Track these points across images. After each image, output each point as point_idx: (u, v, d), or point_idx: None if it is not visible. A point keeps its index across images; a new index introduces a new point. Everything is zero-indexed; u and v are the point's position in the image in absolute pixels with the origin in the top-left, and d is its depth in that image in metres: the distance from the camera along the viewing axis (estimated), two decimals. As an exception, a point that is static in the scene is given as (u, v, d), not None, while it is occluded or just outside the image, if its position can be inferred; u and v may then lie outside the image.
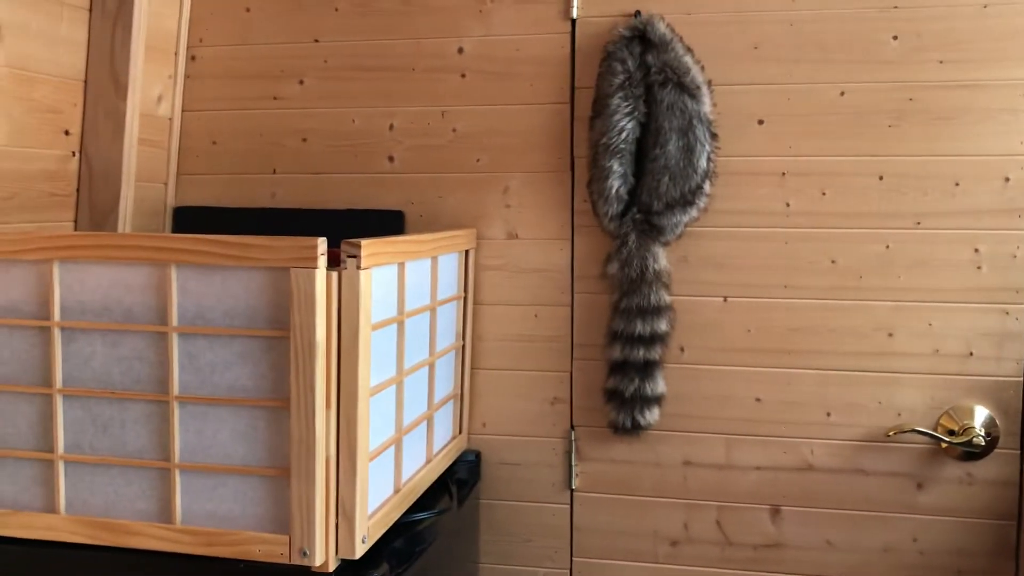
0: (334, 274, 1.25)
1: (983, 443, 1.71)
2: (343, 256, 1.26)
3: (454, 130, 1.90)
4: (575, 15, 1.84)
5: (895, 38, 1.72)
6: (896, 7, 1.72)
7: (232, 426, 1.28)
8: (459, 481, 1.81)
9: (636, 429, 1.79)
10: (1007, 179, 1.70)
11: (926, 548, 1.77)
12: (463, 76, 1.89)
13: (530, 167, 1.88)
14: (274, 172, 1.98)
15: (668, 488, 1.86)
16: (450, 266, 1.76)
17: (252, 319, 1.26)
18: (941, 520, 1.76)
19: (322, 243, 1.22)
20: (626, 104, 1.73)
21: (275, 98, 1.97)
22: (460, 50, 1.89)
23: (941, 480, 1.76)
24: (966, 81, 1.70)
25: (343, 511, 1.28)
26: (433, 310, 1.66)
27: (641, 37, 1.75)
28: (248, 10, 1.98)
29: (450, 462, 1.81)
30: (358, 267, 1.25)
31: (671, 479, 1.86)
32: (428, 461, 1.68)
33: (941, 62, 1.71)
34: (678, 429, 1.84)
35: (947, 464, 1.75)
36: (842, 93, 1.75)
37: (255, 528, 1.28)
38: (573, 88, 1.85)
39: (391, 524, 1.46)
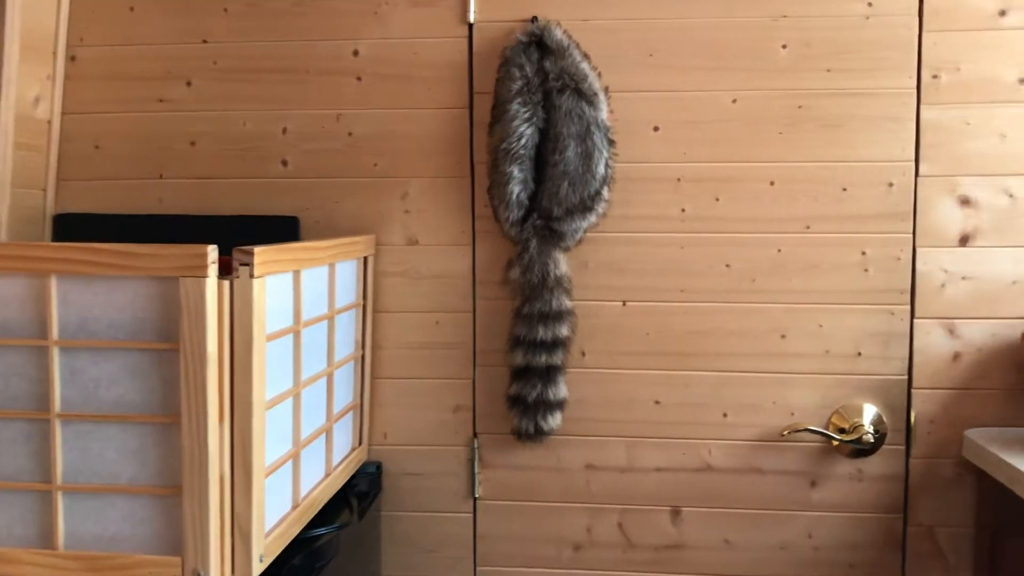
0: (226, 283, 1.20)
1: (872, 440, 1.77)
2: (235, 264, 1.21)
3: (350, 134, 1.86)
4: (472, 19, 1.82)
5: (785, 47, 1.77)
6: (785, 16, 1.76)
7: (119, 444, 1.21)
8: (360, 494, 1.77)
9: (539, 435, 1.79)
10: (891, 184, 1.76)
11: (820, 543, 1.82)
12: (359, 79, 1.86)
13: (429, 172, 1.86)
14: (161, 177, 1.91)
15: (571, 493, 1.86)
16: (348, 273, 1.73)
17: (139, 331, 1.20)
18: (834, 516, 1.81)
19: (213, 251, 1.17)
20: (525, 110, 1.73)
21: (161, 100, 1.90)
22: (355, 53, 1.85)
23: (833, 477, 1.81)
24: (852, 89, 1.76)
25: (239, 529, 1.23)
26: (331, 319, 1.62)
27: (538, 43, 1.75)
28: (132, 9, 1.90)
29: (350, 474, 1.78)
30: (251, 275, 1.21)
31: (574, 484, 1.86)
32: (327, 474, 1.63)
33: (828, 71, 1.76)
34: (580, 433, 1.85)
35: (838, 461, 1.81)
36: (735, 100, 1.78)
37: (145, 550, 1.22)
38: (472, 93, 1.83)
39: (290, 541, 1.42)
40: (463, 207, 1.85)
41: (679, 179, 1.80)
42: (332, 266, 1.62)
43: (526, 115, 1.73)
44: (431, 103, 1.85)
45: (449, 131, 1.84)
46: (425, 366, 1.87)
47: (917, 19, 1.74)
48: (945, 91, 1.74)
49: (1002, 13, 1.72)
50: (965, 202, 1.75)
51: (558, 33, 1.75)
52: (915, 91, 1.75)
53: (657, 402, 1.83)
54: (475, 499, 1.89)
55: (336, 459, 1.69)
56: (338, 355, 1.67)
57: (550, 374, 1.78)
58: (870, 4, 1.74)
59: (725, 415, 1.82)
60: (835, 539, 1.81)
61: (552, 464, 1.86)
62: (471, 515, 1.89)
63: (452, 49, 1.83)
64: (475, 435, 1.88)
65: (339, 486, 1.69)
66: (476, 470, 1.88)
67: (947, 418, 1.77)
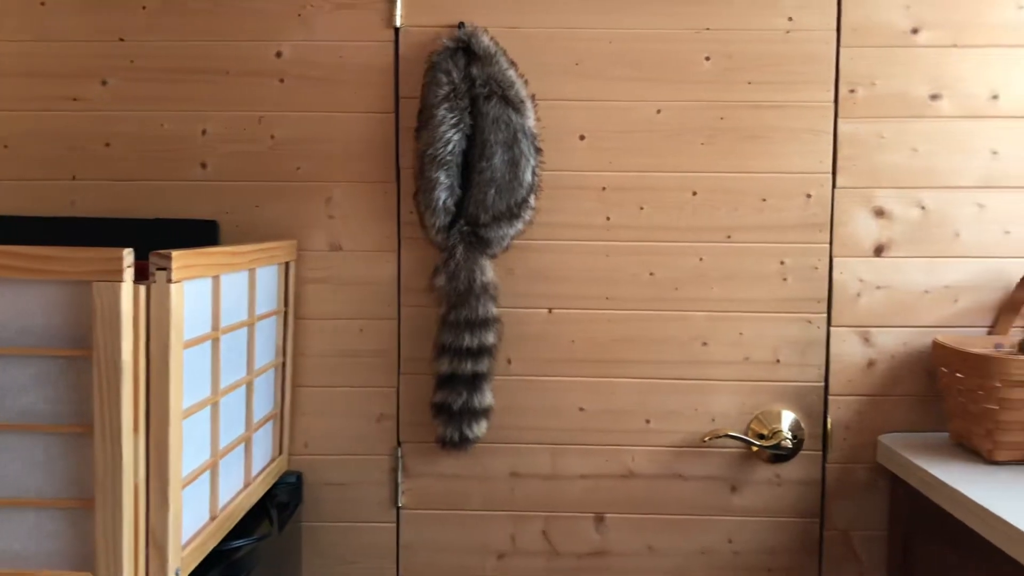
0: (142, 288, 1.16)
1: (790, 445, 1.80)
2: (152, 268, 1.17)
3: (272, 137, 1.83)
4: (398, 24, 1.81)
5: (707, 59, 1.80)
6: (708, 29, 1.79)
7: (26, 455, 1.16)
8: (280, 504, 1.73)
9: (464, 443, 1.77)
10: (809, 196, 1.80)
11: (740, 548, 1.84)
12: (282, 81, 1.82)
13: (354, 176, 1.83)
14: (73, 179, 1.84)
15: (495, 501, 1.86)
16: (269, 279, 1.69)
17: (50, 337, 1.15)
18: (753, 520, 1.84)
19: (128, 254, 1.13)
20: (452, 116, 1.72)
21: (75, 99, 1.83)
22: (279, 54, 1.82)
23: (753, 482, 1.84)
24: (772, 102, 1.80)
25: (154, 542, 1.19)
26: (251, 326, 1.58)
27: (465, 49, 1.75)
28: (43, 3, 1.83)
29: (270, 485, 1.74)
30: (168, 280, 1.17)
31: (498, 492, 1.85)
32: (247, 485, 1.59)
33: (750, 83, 1.80)
34: (505, 441, 1.84)
35: (758, 467, 1.84)
36: (659, 111, 1.81)
37: (55, 566, 1.17)
38: (398, 97, 1.82)
39: (207, 553, 1.37)
40: (388, 213, 1.83)
41: (604, 188, 1.82)
42: (252, 271, 1.58)
43: (453, 121, 1.72)
44: (356, 107, 1.82)
45: (375, 135, 1.82)
46: (348, 374, 1.85)
47: (835, 35, 1.79)
48: (861, 105, 1.79)
49: (915, 31, 1.78)
50: (880, 213, 1.80)
51: (485, 40, 1.75)
52: (833, 105, 1.79)
53: (582, 409, 1.84)
54: (398, 508, 1.86)
55: (256, 469, 1.65)
56: (258, 363, 1.63)
57: (476, 382, 1.77)
58: (790, 19, 1.78)
59: (648, 422, 1.83)
60: (754, 543, 1.84)
61: (477, 472, 1.85)
62: (394, 525, 1.87)
63: (378, 53, 1.82)
64: (399, 444, 1.85)
65: (258, 497, 1.65)
66: (400, 479, 1.86)
67: (862, 424, 1.82)
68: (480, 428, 1.78)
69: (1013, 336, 1.76)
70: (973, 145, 1.78)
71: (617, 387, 1.83)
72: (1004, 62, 1.77)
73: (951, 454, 1.66)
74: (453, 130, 1.72)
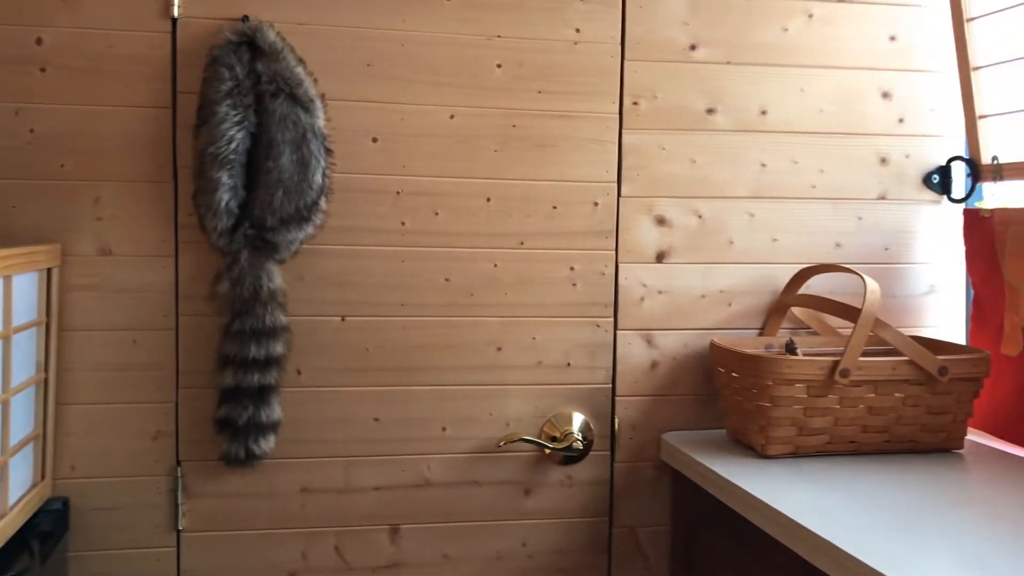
0: None
1: (581, 447, 1.84)
2: None
3: (32, 131, 1.66)
4: (176, 14, 1.69)
5: (499, 66, 1.81)
6: (500, 36, 1.80)
7: None
8: (42, 534, 1.56)
9: (250, 459, 1.68)
10: (596, 204, 1.85)
11: (534, 551, 1.86)
12: (43, 70, 1.66)
13: (126, 176, 1.69)
14: None
15: (285, 518, 1.77)
16: (27, 287, 1.53)
17: None
18: (546, 523, 1.87)
19: None
20: (235, 113, 1.63)
21: None
22: (39, 41, 1.65)
23: (546, 484, 1.87)
24: (561, 112, 1.83)
25: None
26: (7, 338, 1.42)
27: (250, 43, 1.66)
28: None
29: (31, 514, 1.57)
30: (-92, 289, 1.02)
31: (288, 508, 1.77)
32: (2, 515, 1.43)
33: (540, 92, 1.82)
34: (295, 456, 1.77)
35: (550, 469, 1.87)
36: (452, 116, 1.80)
37: None
38: (175, 92, 1.70)
39: (-46, 597, 1.22)
40: (165, 215, 1.71)
41: (399, 192, 1.78)
42: (8, 279, 1.42)
43: (236, 118, 1.63)
44: (129, 101, 1.69)
45: (149, 132, 1.69)
46: (120, 390, 1.70)
47: (620, 48, 1.85)
48: (644, 117, 1.86)
49: (692, 47, 1.87)
50: (661, 221, 1.88)
51: (271, 35, 1.67)
52: (618, 116, 1.85)
53: (376, 419, 1.79)
54: (178, 532, 1.74)
55: (13, 497, 1.49)
56: (15, 379, 1.47)
57: (263, 394, 1.68)
58: (578, 31, 1.83)
59: (444, 429, 1.82)
60: (547, 545, 1.87)
61: (264, 489, 1.76)
62: (174, 549, 1.74)
63: (153, 44, 1.69)
64: (178, 463, 1.73)
65: (17, 527, 1.49)
66: (180, 500, 1.73)
67: (646, 423, 1.89)
68: (268, 443, 1.70)
69: (781, 337, 1.89)
70: (745, 157, 1.90)
71: (413, 395, 1.80)
72: (772, 80, 1.90)
73: (728, 450, 1.75)
74: (237, 128, 1.63)
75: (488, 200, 1.81)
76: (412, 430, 1.81)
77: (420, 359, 1.80)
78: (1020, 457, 1.72)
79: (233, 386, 1.67)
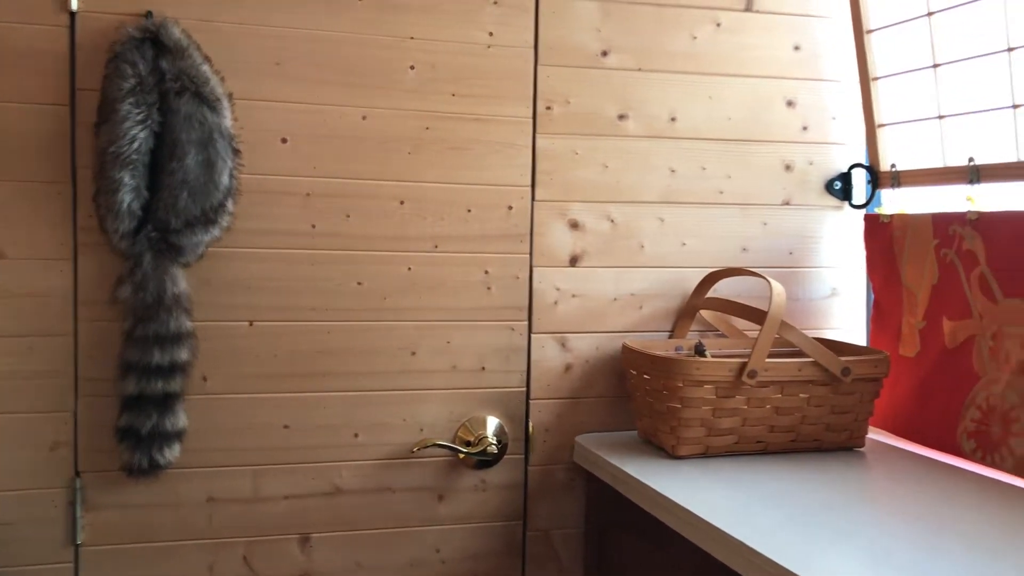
0: None
1: (495, 451, 1.84)
2: None
3: (-84, 127, 1.57)
4: (75, 7, 1.62)
5: (412, 68, 1.79)
6: (413, 38, 1.79)
7: None
8: (-73, 553, 1.48)
9: (154, 469, 1.62)
10: (510, 207, 1.85)
11: (447, 557, 1.85)
12: (-72, 63, 1.57)
13: (19, 175, 1.62)
14: None
15: (190, 530, 1.72)
16: (-87, 292, 1.45)
17: None
18: (460, 528, 1.86)
19: None
20: (138, 111, 1.57)
21: None
22: (-76, 32, 1.57)
23: (460, 489, 1.85)
24: (475, 115, 1.82)
25: None
26: None
27: (154, 40, 1.60)
28: None
29: (-86, 532, 1.48)
30: None
31: (194, 519, 1.72)
32: None
33: (453, 95, 1.81)
34: (201, 465, 1.71)
35: (465, 474, 1.86)
36: (365, 117, 1.77)
37: None
38: (74, 89, 1.63)
39: None
40: (62, 216, 1.64)
41: (309, 194, 1.75)
42: None
43: (139, 117, 1.57)
44: (22, 97, 1.61)
45: (45, 130, 1.62)
46: (14, 399, 1.63)
47: (533, 52, 1.85)
48: (557, 122, 1.87)
49: (604, 53, 1.89)
50: (575, 226, 1.89)
51: (176, 31, 1.62)
52: (531, 120, 1.86)
53: (286, 427, 1.75)
54: (77, 546, 1.67)
55: None
56: (-102, 390, 1.39)
57: (167, 402, 1.62)
58: (491, 34, 1.82)
59: (356, 436, 1.79)
60: (461, 551, 1.86)
61: (169, 500, 1.70)
62: (72, 565, 1.67)
63: (50, 38, 1.62)
64: (77, 474, 1.66)
65: (-101, 548, 1.41)
66: (79, 513, 1.66)
67: (560, 426, 1.90)
68: (172, 452, 1.64)
69: (691, 339, 1.92)
70: (655, 163, 1.93)
71: (324, 401, 1.77)
72: (681, 87, 1.93)
73: (640, 451, 1.77)
74: (139, 127, 1.58)
75: (401, 203, 1.79)
76: (323, 437, 1.77)
77: (331, 364, 1.77)
78: (918, 454, 1.78)
79: (136, 394, 1.61)
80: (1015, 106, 1.62)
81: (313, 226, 1.75)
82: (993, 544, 1.27)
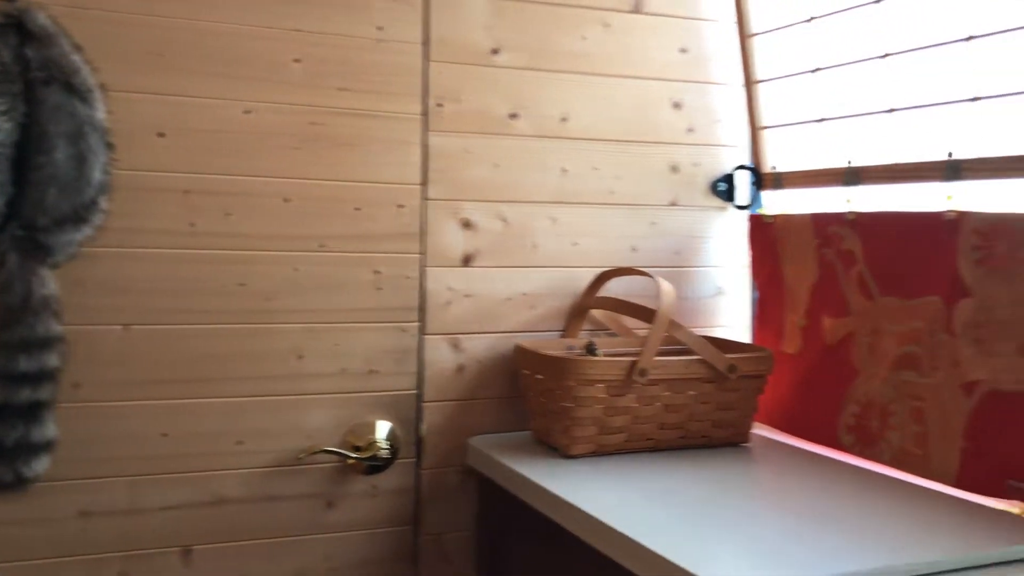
0: None
1: (387, 455, 1.80)
2: None
3: None
4: (-72, -11, 1.51)
5: (298, 61, 1.74)
6: (298, 30, 1.73)
7: None
8: None
9: (21, 483, 1.52)
10: (401, 206, 1.82)
11: (337, 565, 1.80)
12: None
13: None
14: None
15: (63, 545, 1.62)
16: None
17: None
18: (350, 535, 1.81)
19: None
20: (1, 102, 1.47)
21: None
22: None
23: (349, 496, 1.81)
24: (364, 111, 1.78)
25: None
26: None
27: (18, 27, 1.50)
28: None
29: None
30: None
31: (66, 534, 1.62)
32: None
33: (341, 90, 1.77)
34: (73, 477, 1.62)
35: (354, 480, 1.81)
36: (248, 111, 1.71)
37: None
38: (-73, 76, 1.52)
39: None
40: (-85, 214, 1.52)
41: (188, 191, 1.67)
42: None
43: (2, 108, 1.47)
44: None
45: None
46: None
47: (423, 48, 1.82)
48: (449, 120, 1.84)
49: (495, 51, 1.87)
50: (467, 225, 1.87)
51: (41, 17, 1.52)
52: (422, 117, 1.83)
53: (165, 435, 1.67)
54: (-67, 569, 1.56)
55: None
56: None
57: (34, 411, 1.52)
58: (380, 28, 1.79)
59: (240, 443, 1.72)
60: (352, 558, 1.81)
61: (39, 515, 1.60)
62: (-73, 589, 1.55)
63: (-101, 20, 1.50)
64: (-67, 491, 1.55)
65: None
66: (-65, 533, 1.55)
67: (453, 428, 1.87)
68: (41, 465, 1.54)
69: (583, 339, 1.92)
70: (547, 163, 1.92)
71: (205, 408, 1.69)
72: (572, 87, 1.94)
73: (533, 451, 1.77)
74: (2, 118, 1.47)
75: (287, 200, 1.74)
76: (205, 445, 1.70)
77: (213, 369, 1.70)
78: (800, 448, 1.83)
79: (1, 403, 1.51)
80: (891, 110, 1.68)
81: (192, 224, 1.68)
82: (872, 533, 1.32)
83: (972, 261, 1.50)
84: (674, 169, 2.03)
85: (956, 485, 1.52)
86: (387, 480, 1.83)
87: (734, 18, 2.02)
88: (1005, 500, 1.45)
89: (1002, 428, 1.45)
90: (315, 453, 1.75)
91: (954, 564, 1.22)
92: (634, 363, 1.68)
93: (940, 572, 1.21)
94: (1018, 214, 1.43)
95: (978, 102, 1.51)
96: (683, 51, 2.02)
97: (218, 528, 1.72)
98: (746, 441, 1.84)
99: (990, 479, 1.47)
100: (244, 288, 1.71)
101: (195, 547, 1.71)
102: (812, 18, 1.83)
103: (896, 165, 1.68)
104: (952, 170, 1.55)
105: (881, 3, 1.66)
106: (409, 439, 1.84)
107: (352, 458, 1.78)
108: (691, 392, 1.75)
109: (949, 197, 1.55)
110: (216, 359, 1.70)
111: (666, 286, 1.75)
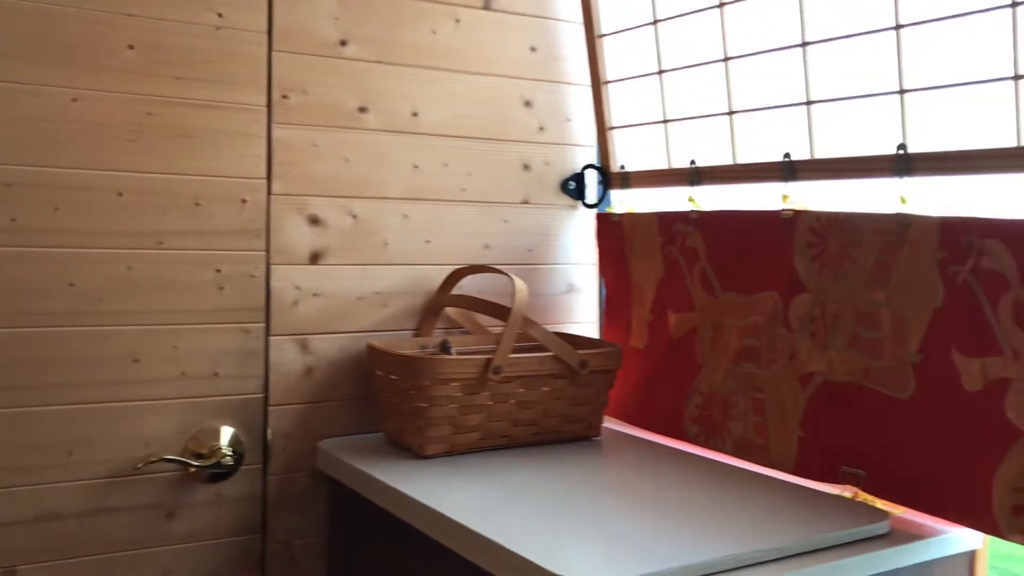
0: None
1: (231, 462, 1.72)
2: None
3: None
4: None
5: (131, 47, 1.63)
6: (132, 15, 1.63)
7: None
8: None
9: None
10: (244, 201, 1.74)
11: (179, 578, 1.72)
12: None
13: None
14: None
15: None
16: None
17: None
18: (193, 546, 1.72)
19: None
20: None
21: None
22: None
23: (191, 505, 1.72)
24: (204, 101, 1.70)
25: None
26: None
27: None
28: None
29: None
30: None
31: None
32: None
33: (178, 78, 1.68)
34: None
35: (197, 488, 1.73)
36: (75, 100, 1.59)
37: None
38: None
39: None
40: None
41: (9, 184, 1.55)
42: None
43: None
44: None
45: None
46: None
47: (267, 37, 1.75)
48: (295, 112, 1.78)
49: (343, 43, 1.82)
50: (315, 221, 1.81)
51: None
52: (266, 109, 1.76)
53: (-17, 447, 1.54)
54: None
55: None
56: None
57: None
58: (220, 15, 1.71)
59: (71, 453, 1.61)
60: (195, 570, 1.72)
61: None
62: None
63: None
64: None
65: None
66: None
67: (302, 432, 1.81)
68: None
69: (436, 337, 1.90)
70: (397, 158, 1.89)
71: (32, 417, 1.57)
72: (422, 82, 1.91)
73: (386, 453, 1.73)
74: None
75: (120, 195, 1.63)
76: (31, 457, 1.58)
77: (40, 376, 1.58)
78: (649, 440, 1.88)
79: None
80: (731, 112, 1.74)
81: (14, 220, 1.55)
82: (719, 522, 1.35)
83: (807, 258, 1.57)
84: (526, 167, 2.04)
85: (795, 472, 1.59)
86: (232, 487, 1.75)
87: (580, 18, 2.04)
88: (839, 485, 1.53)
89: (835, 417, 1.53)
90: (154, 462, 1.65)
91: (797, 549, 1.27)
92: (489, 361, 1.68)
93: (784, 557, 1.26)
94: (849, 213, 1.51)
95: (813, 105, 1.58)
96: (533, 50, 2.03)
97: (46, 546, 1.60)
98: (597, 435, 1.86)
99: (825, 466, 1.54)
100: (74, 288, 1.60)
101: (20, 567, 1.58)
102: (658, 20, 1.87)
103: (737, 166, 1.74)
104: (788, 170, 1.62)
105: (724, 8, 1.72)
106: (255, 444, 1.77)
107: (194, 466, 1.69)
108: (544, 388, 1.76)
109: (785, 197, 1.62)
110: (43, 364, 1.58)
111: (520, 284, 1.75)
